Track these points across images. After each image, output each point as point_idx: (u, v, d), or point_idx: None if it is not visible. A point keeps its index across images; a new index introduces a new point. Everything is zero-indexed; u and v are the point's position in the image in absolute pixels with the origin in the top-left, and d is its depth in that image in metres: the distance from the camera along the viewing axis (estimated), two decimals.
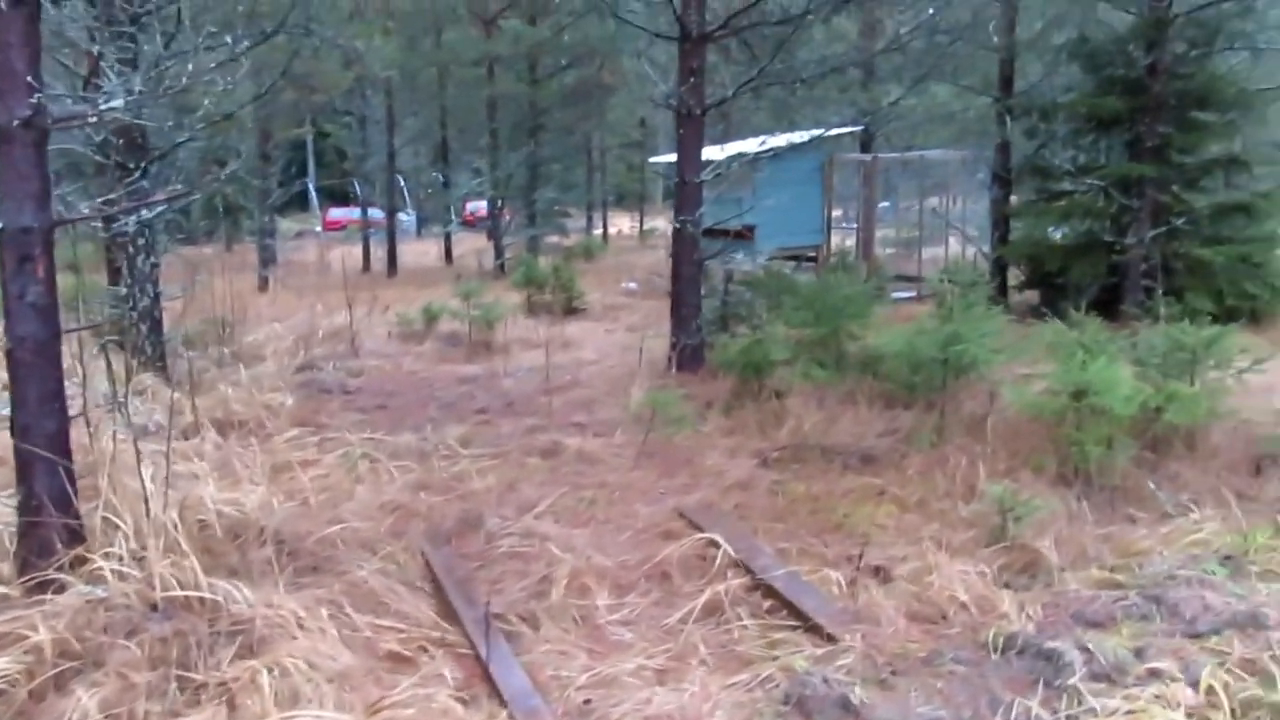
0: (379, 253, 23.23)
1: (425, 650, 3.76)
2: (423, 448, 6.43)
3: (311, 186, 38.97)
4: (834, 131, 12.43)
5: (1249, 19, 10.95)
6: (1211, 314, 8.18)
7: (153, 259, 7.44)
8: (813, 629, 3.84)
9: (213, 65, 5.57)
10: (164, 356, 7.69)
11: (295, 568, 4.30)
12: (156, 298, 7.62)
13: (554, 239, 23.43)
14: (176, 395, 6.52)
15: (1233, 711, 3.01)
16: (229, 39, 4.90)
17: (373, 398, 8.24)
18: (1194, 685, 3.10)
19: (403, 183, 33.90)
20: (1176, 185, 11.12)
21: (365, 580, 4.19)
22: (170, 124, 6.46)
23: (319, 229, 33.08)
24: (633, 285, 16.33)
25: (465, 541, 4.88)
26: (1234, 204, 11.08)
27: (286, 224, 37.25)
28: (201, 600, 3.61)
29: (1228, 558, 4.23)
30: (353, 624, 3.85)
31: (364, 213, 24.77)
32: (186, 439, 5.91)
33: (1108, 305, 10.44)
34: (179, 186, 7.86)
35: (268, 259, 19.65)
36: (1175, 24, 10.59)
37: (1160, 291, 9.93)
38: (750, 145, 11.52)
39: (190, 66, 4.58)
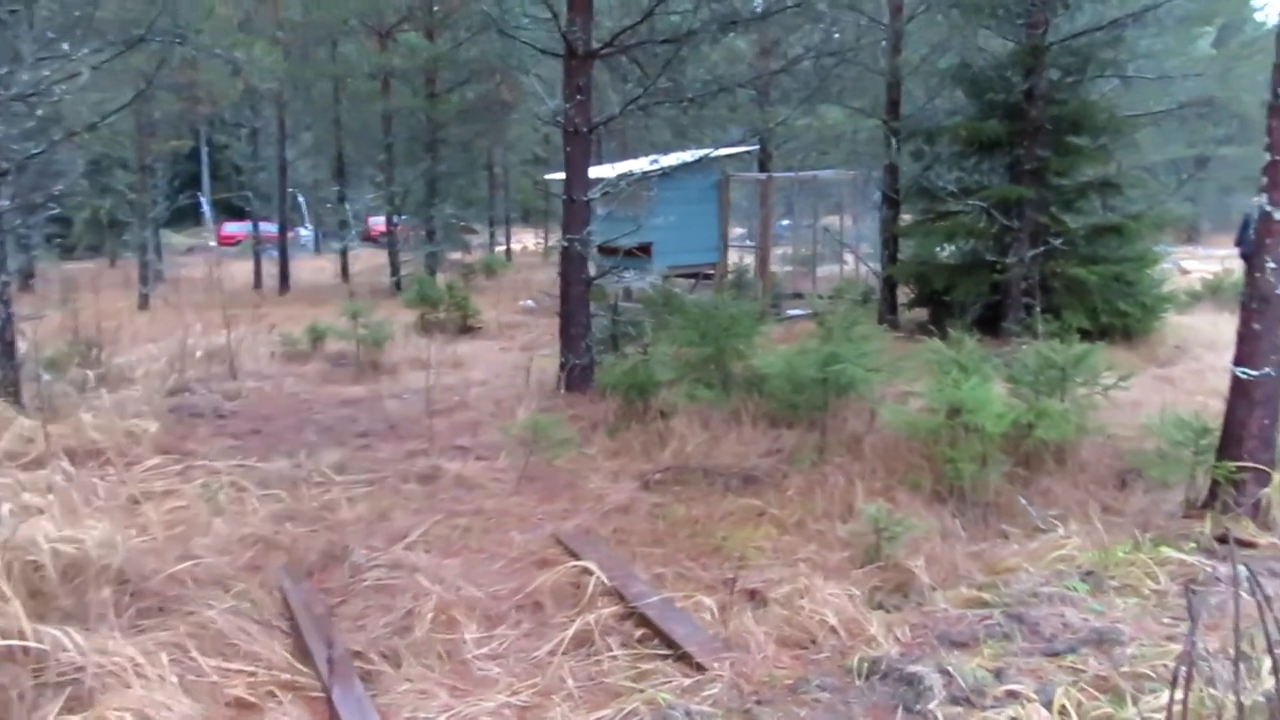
0: (272, 269, 22.54)
1: (274, 695, 3.56)
2: (295, 475, 6.18)
3: (205, 200, 37.73)
4: (724, 151, 12.52)
5: (1119, 48, 11.40)
6: (1087, 331, 8.48)
7: (3, 276, 6.99)
8: (683, 658, 3.77)
9: (66, 76, 5.26)
10: (17, 382, 7.22)
11: (138, 609, 4.04)
12: (9, 319, 7.16)
13: (456, 255, 23.08)
14: (27, 423, 6.15)
15: None
16: (66, 45, 4.60)
17: (247, 422, 7.91)
18: (1048, 705, 3.11)
19: (300, 197, 33.09)
20: (1054, 207, 11.50)
21: (214, 621, 3.95)
22: (17, 133, 6.05)
23: (213, 244, 31.97)
24: (530, 303, 16.17)
25: (328, 575, 4.68)
26: (1107, 225, 11.50)
27: (179, 238, 36.02)
28: (25, 650, 3.35)
29: (1089, 573, 4.31)
30: (198, 669, 3.62)
31: (255, 228, 24.00)
32: (33, 470, 5.53)
33: (991, 323, 10.74)
34: (38, 198, 7.40)
35: (150, 276, 18.83)
36: (1051, 51, 10.97)
37: (1039, 309, 10.24)
38: (642, 164, 11.51)
39: (29, 75, 4.27)
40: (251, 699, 3.51)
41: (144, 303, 17.75)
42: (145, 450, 6.52)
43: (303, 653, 3.87)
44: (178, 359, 9.56)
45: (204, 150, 38.95)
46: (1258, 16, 31.63)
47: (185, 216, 37.36)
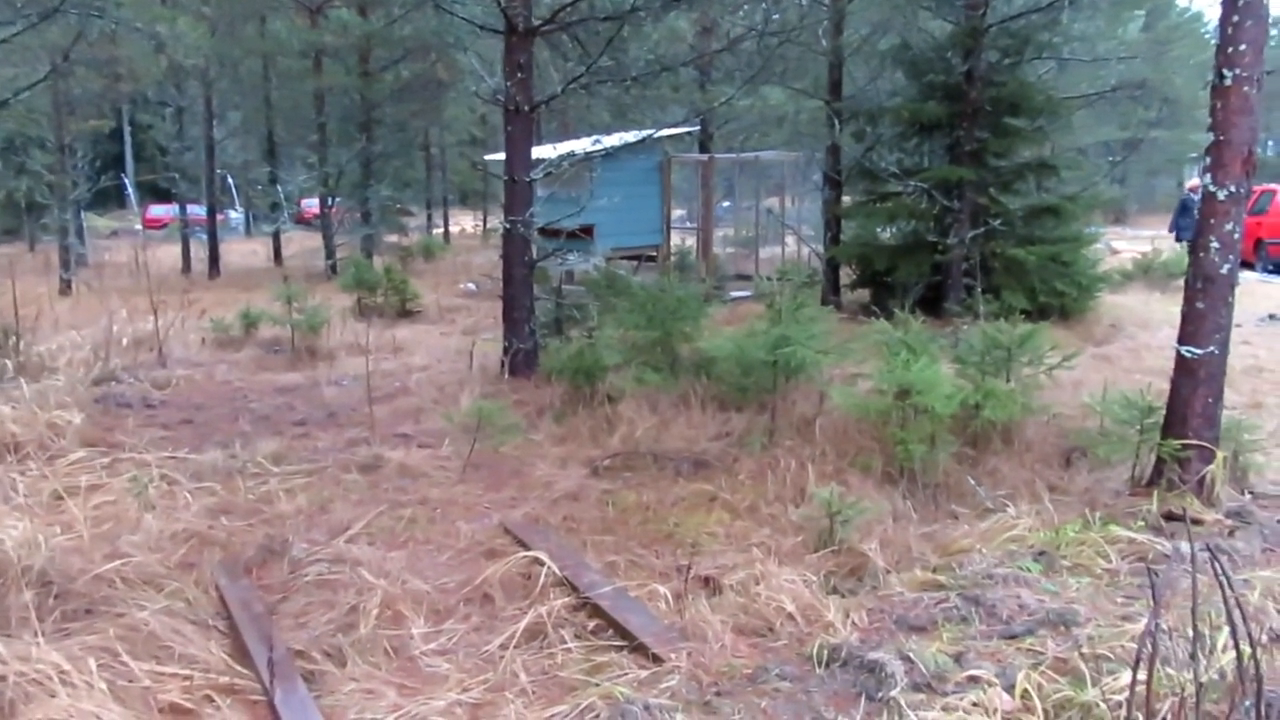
0: (201, 253, 21.85)
1: (211, 699, 3.38)
2: (229, 466, 5.95)
3: (128, 182, 36.53)
4: (666, 131, 12.42)
5: (1055, 30, 11.52)
6: (1026, 311, 8.54)
7: None
8: (638, 649, 3.68)
9: None
10: None
11: (63, 612, 3.84)
12: None
13: (393, 238, 22.62)
14: None
15: (1046, 713, 3.01)
16: None
17: (178, 411, 7.61)
18: (1010, 689, 3.09)
19: (229, 179, 32.19)
20: (993, 188, 11.61)
21: (146, 622, 3.76)
22: None
23: (138, 227, 30.95)
24: (471, 286, 15.92)
25: (267, 571, 4.48)
26: (1044, 206, 11.65)
27: (102, 222, 34.82)
28: None
29: (1041, 553, 4.33)
30: (129, 674, 3.44)
31: (182, 210, 23.24)
32: None
33: (933, 303, 10.82)
34: None
35: (72, 260, 18.11)
36: (989, 33, 11.04)
37: (979, 290, 10.35)
38: (584, 144, 11.35)
39: None
40: (187, 704, 3.33)
41: (65, 288, 17.08)
42: (69, 443, 6.23)
43: (241, 653, 3.70)
44: (103, 347, 9.17)
45: (127, 130, 37.70)
46: (1181, 2, 32.50)
47: (108, 199, 36.15)
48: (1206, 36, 28.47)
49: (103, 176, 22.37)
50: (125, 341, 9.80)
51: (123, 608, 3.88)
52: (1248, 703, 2.70)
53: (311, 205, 26.51)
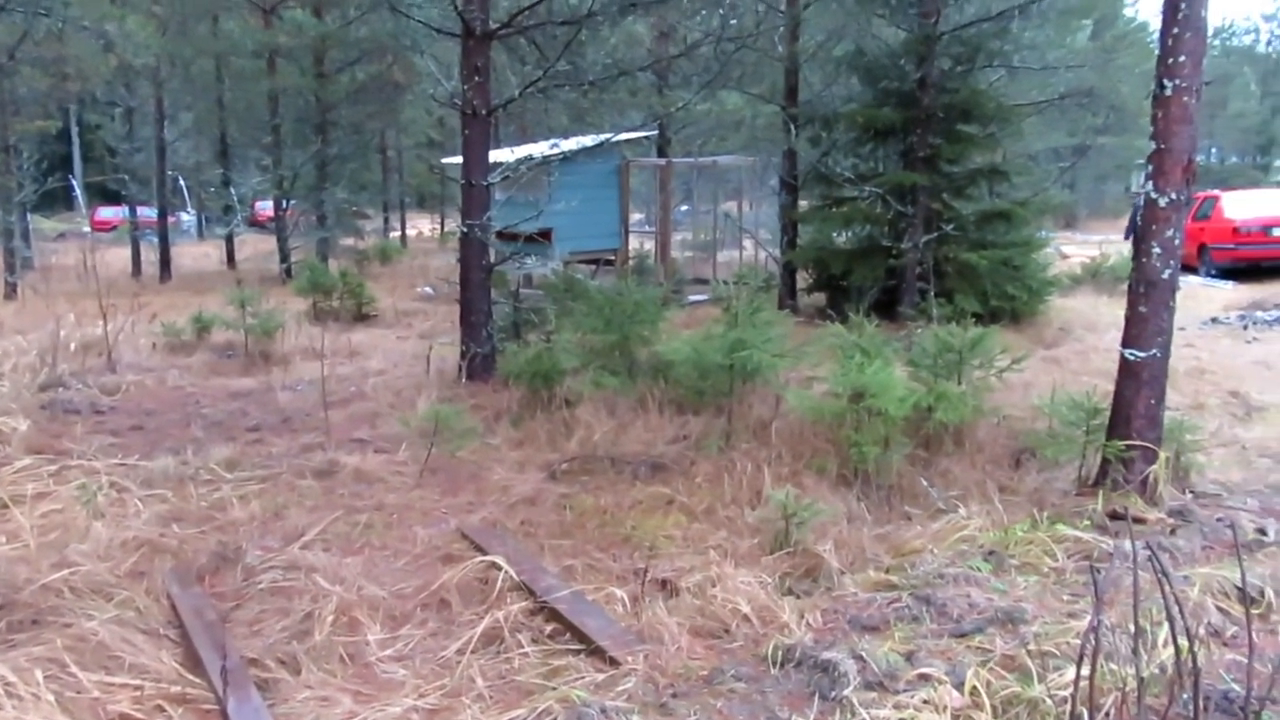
0: (152, 256, 21.46)
1: (162, 709, 3.34)
2: (181, 473, 5.88)
3: (76, 183, 35.79)
4: (624, 135, 12.45)
5: (1005, 39, 11.74)
6: (978, 314, 8.71)
7: None
8: (595, 652, 3.69)
9: None
10: None
11: (9, 623, 3.78)
12: None
13: (349, 241, 22.39)
14: None
15: (995, 710, 3.07)
16: None
17: (128, 417, 7.49)
18: (959, 687, 3.15)
19: (181, 181, 31.66)
20: (946, 193, 11.81)
21: (95, 632, 3.70)
22: None
23: (86, 229, 30.32)
24: (428, 290, 15.83)
25: (220, 579, 4.44)
26: (996, 211, 11.86)
27: (49, 224, 34.07)
28: None
29: (991, 553, 4.41)
30: (77, 685, 3.38)
31: (132, 212, 22.81)
32: None
33: (887, 306, 10.97)
34: None
35: (17, 263, 17.71)
36: (942, 40, 11.23)
37: (933, 293, 10.51)
38: (542, 148, 11.34)
39: None
40: (138, 715, 3.29)
41: (11, 292, 16.69)
42: (15, 450, 6.12)
43: (194, 662, 3.66)
44: (50, 351, 8.99)
45: (74, 130, 36.97)
46: (1127, 12, 33.20)
47: (55, 200, 35.35)
48: (1152, 46, 29.06)
49: (49, 178, 21.86)
50: (73, 346, 9.62)
51: (71, 618, 3.81)
52: (1186, 695, 2.78)
53: (266, 208, 26.24)
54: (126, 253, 22.45)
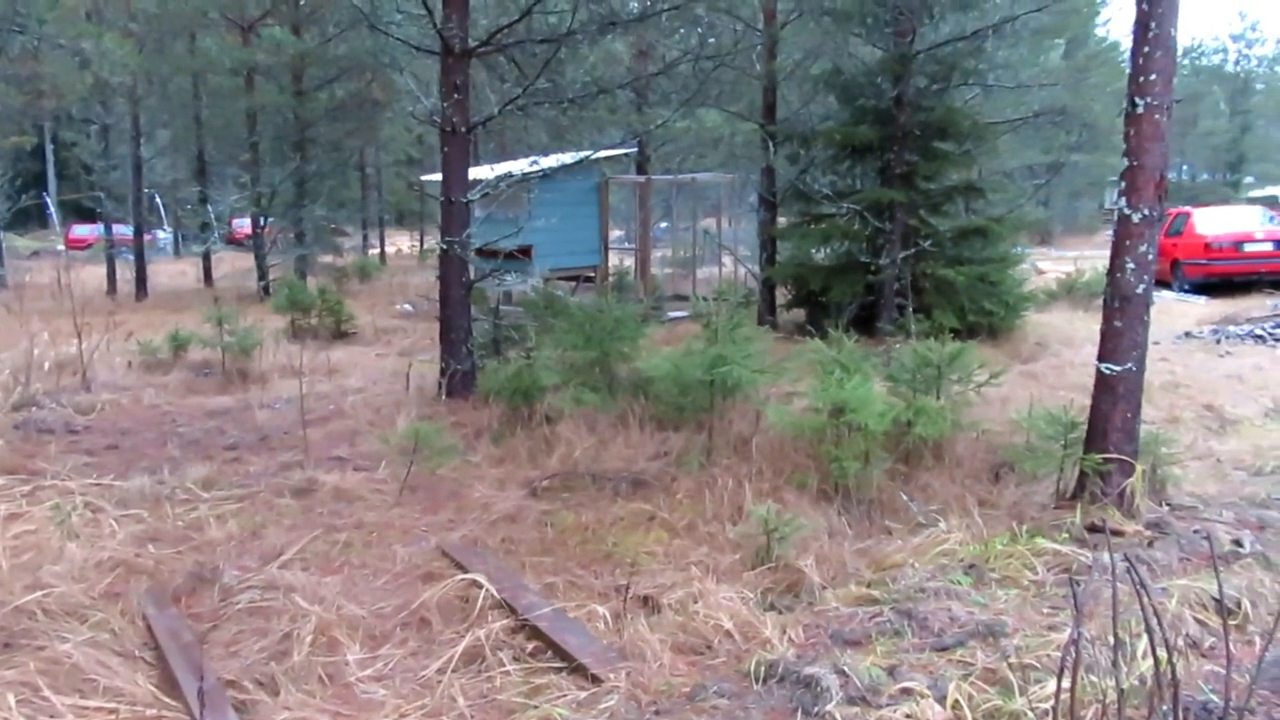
0: (127, 274, 21.27)
1: None
2: (157, 492, 5.82)
3: (51, 201, 35.48)
4: (603, 153, 12.49)
5: (980, 58, 11.88)
6: (956, 330, 8.77)
7: None
8: (577, 670, 3.68)
9: None
10: None
11: None
12: None
13: (327, 259, 22.30)
14: None
15: None
16: None
17: (103, 437, 7.41)
18: (941, 700, 3.15)
19: (158, 198, 31.45)
20: (923, 210, 11.90)
21: (70, 655, 3.66)
22: None
23: (61, 247, 30.03)
24: (408, 307, 15.78)
25: (197, 599, 4.39)
26: (972, 228, 11.96)
27: (22, 242, 33.74)
28: None
29: (971, 566, 4.43)
30: (51, 708, 3.35)
31: (107, 230, 22.63)
32: None
33: (866, 322, 11.03)
34: None
35: None
36: (918, 59, 11.34)
37: (911, 309, 10.57)
38: (521, 165, 11.36)
39: None
40: None
41: None
42: None
43: (170, 684, 3.62)
44: (23, 370, 8.89)
45: (49, 147, 36.65)
46: (1099, 32, 33.70)
47: (29, 218, 35.05)
48: (1123, 65, 29.54)
49: (23, 195, 21.72)
50: (47, 365, 9.51)
51: (44, 640, 3.76)
52: (1165, 707, 2.80)
53: (243, 225, 26.06)
54: (102, 271, 22.27)
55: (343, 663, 3.80)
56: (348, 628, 4.04)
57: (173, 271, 25.81)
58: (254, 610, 4.23)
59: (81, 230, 33.93)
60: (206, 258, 23.06)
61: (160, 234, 33.75)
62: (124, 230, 23.11)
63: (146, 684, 3.59)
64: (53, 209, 35.37)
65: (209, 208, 21.98)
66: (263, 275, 19.25)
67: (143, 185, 21.45)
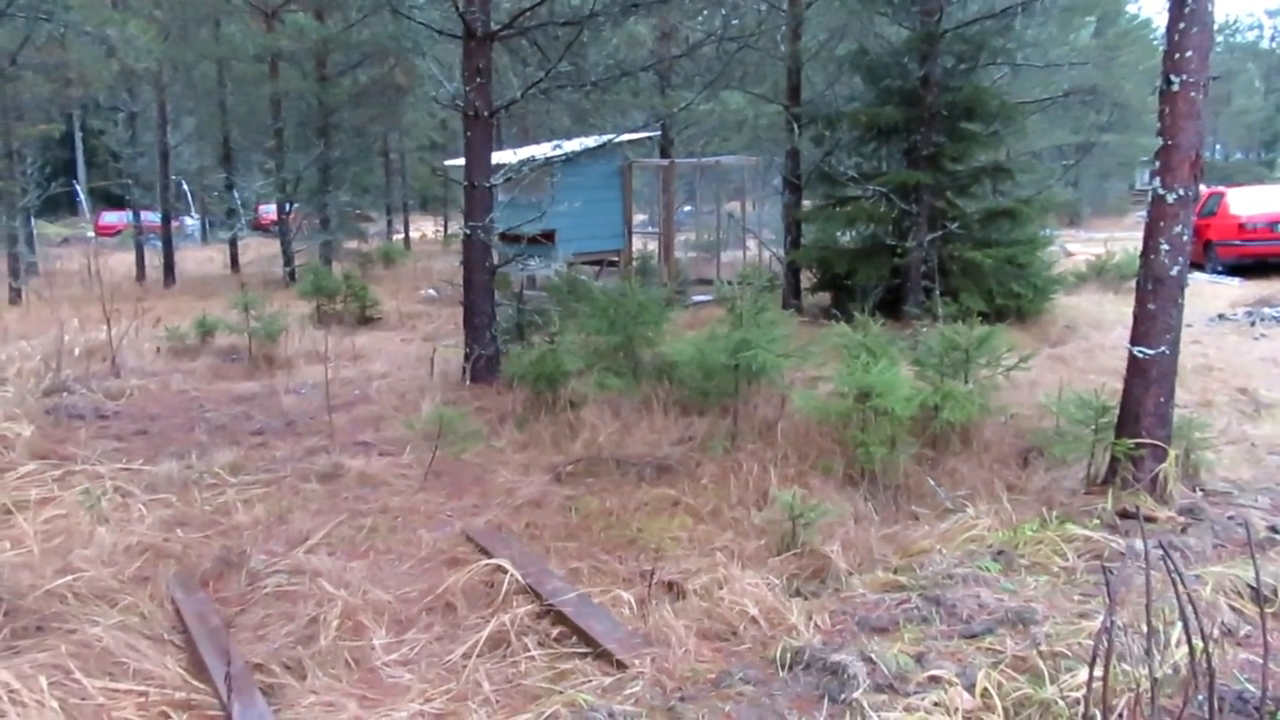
0: (155, 261, 21.47)
1: (167, 715, 3.33)
2: (185, 477, 5.86)
3: (80, 188, 35.84)
4: (627, 136, 12.44)
5: (1008, 36, 11.70)
6: (983, 313, 8.67)
7: None
8: (602, 655, 3.67)
9: None
10: None
11: (13, 629, 3.76)
12: None
13: (352, 244, 22.40)
14: None
15: (1006, 712, 3.03)
16: None
17: (132, 422, 7.48)
18: (970, 688, 3.11)
19: (184, 185, 31.70)
20: (950, 192, 11.76)
21: (99, 638, 3.68)
22: None
23: (91, 234, 30.36)
24: (432, 292, 15.81)
25: (224, 584, 4.42)
26: (1000, 209, 11.81)
27: (53, 229, 34.13)
28: None
29: (1000, 552, 4.37)
30: (81, 691, 3.37)
31: (135, 217, 22.84)
32: None
33: (892, 305, 10.93)
34: None
35: (22, 268, 17.73)
36: (945, 39, 11.18)
37: (938, 292, 10.46)
38: (544, 149, 11.32)
39: None
40: None
41: (15, 297, 16.71)
42: (19, 456, 6.12)
43: (198, 668, 3.64)
44: (54, 356, 8.98)
45: (78, 135, 37.02)
46: (1130, 9, 33.12)
47: (59, 206, 35.45)
48: (1155, 42, 29.06)
49: (53, 183, 21.92)
50: (77, 351, 9.61)
51: (75, 624, 3.80)
52: (1201, 696, 2.75)
53: (269, 211, 26.25)
54: (130, 257, 22.50)
55: (368, 647, 3.82)
56: (373, 612, 4.06)
57: (200, 258, 26.04)
58: (281, 594, 4.25)
59: (111, 217, 34.25)
60: (233, 244, 23.22)
61: (188, 220, 34.01)
62: (152, 217, 23.31)
63: (175, 667, 3.62)
64: (82, 196, 35.72)
65: (235, 194, 22.13)
66: (288, 261, 19.36)
67: (170, 172, 21.60)
